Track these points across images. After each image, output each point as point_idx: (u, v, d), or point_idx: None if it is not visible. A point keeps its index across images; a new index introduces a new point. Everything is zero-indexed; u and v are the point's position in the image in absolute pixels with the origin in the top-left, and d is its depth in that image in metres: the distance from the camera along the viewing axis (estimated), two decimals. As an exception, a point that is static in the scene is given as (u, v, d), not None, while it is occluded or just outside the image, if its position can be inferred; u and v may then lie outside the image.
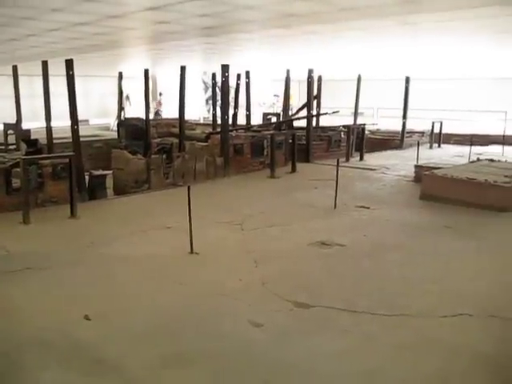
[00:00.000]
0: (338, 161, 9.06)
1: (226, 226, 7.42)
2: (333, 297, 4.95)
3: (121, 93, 16.19)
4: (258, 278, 5.42)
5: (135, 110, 21.09)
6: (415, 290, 5.20)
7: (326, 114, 15.37)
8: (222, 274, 5.60)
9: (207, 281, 5.38)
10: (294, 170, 12.04)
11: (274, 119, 16.36)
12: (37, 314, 4.52)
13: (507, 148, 15.88)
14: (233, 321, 4.43)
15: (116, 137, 14.21)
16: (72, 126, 8.21)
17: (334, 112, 15.00)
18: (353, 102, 16.91)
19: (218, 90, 15.04)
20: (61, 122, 10.49)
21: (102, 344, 3.98)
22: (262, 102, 28.93)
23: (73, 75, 8.26)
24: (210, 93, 30.62)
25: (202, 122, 23.34)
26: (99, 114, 24.73)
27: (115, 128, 20.09)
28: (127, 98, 25.57)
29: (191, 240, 6.18)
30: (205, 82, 30.69)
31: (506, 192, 8.39)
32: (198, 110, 27.42)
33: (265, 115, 16.91)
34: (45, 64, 9.44)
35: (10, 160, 8.26)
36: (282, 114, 16.29)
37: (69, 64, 8.52)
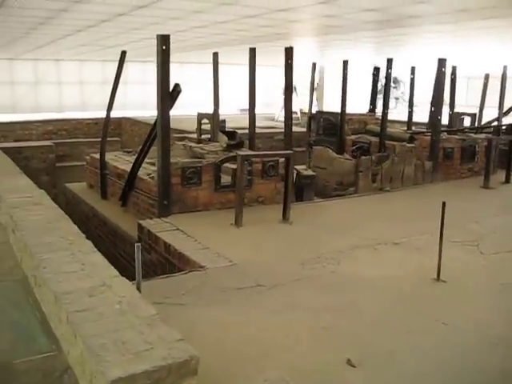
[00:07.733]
0: None
1: (458, 246, 6.24)
2: None
3: (312, 83, 15.72)
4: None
5: (300, 101, 20.87)
6: None
7: None
8: (487, 312, 4.49)
9: (474, 321, 4.30)
10: (508, 180, 10.49)
11: (466, 120, 14.73)
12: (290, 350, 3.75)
13: None
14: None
15: (298, 130, 13.62)
16: (286, 120, 7.49)
17: None
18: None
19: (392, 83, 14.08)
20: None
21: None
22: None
23: (291, 64, 7.52)
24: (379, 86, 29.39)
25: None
26: (263, 104, 25.01)
27: (279, 119, 20.05)
28: (294, 89, 25.10)
29: (439, 264, 5.15)
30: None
31: None
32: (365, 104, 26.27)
33: (457, 115, 15.30)
34: (215, 55, 9.46)
35: (210, 152, 7.74)
36: (478, 114, 14.59)
37: (289, 52, 7.81)
